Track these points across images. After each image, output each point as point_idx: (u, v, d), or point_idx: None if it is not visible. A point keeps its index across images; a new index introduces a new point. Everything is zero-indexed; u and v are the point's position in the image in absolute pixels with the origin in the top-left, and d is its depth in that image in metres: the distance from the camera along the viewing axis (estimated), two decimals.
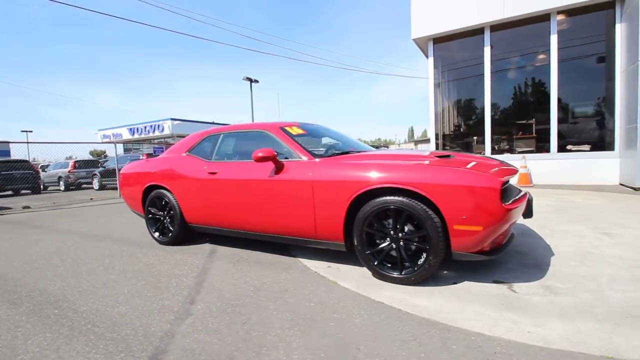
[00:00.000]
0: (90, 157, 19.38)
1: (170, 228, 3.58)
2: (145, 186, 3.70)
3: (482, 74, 7.12)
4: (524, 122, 7.57)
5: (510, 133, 7.67)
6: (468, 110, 8.08)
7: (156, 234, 3.71)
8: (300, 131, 3.04)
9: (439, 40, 7.45)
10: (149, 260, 3.13)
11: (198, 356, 1.58)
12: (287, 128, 3.00)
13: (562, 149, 6.74)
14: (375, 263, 2.35)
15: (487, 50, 6.99)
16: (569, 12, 6.22)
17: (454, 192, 2.03)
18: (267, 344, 1.65)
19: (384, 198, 2.25)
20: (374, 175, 2.26)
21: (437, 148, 8.04)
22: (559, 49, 6.29)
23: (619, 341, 1.56)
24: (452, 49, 7.65)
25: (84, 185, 15.16)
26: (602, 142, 6.42)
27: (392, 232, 2.30)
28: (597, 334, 1.62)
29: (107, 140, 32.80)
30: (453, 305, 1.97)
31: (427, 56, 8.80)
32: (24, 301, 2.33)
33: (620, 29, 5.81)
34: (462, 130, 8.58)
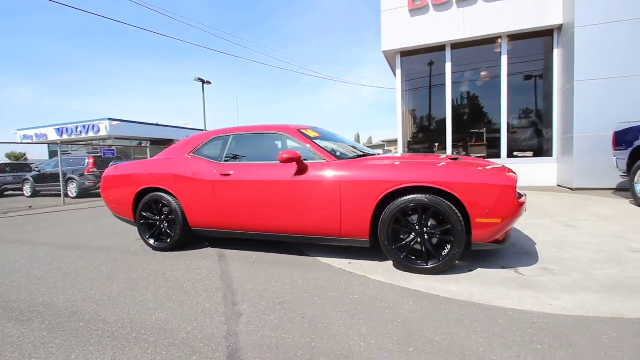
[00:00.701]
0: (7, 161, 16.91)
1: (170, 233, 3.40)
2: (139, 189, 3.47)
3: (444, 85, 7.85)
4: (477, 131, 8.47)
5: (465, 140, 8.52)
6: (429, 119, 8.80)
7: (151, 241, 3.48)
8: (316, 134, 3.14)
9: (406, 53, 8.06)
10: (154, 268, 2.95)
11: (277, 350, 1.60)
12: (303, 131, 3.08)
13: (509, 155, 7.69)
14: (402, 257, 2.54)
15: (448, 66, 7.73)
16: (516, 36, 7.19)
17: (478, 190, 2.31)
18: (338, 334, 1.73)
19: (412, 196, 2.45)
20: (404, 175, 2.46)
21: (404, 152, 8.61)
22: (508, 64, 7.24)
23: (617, 306, 1.94)
24: (417, 62, 8.31)
25: (9, 192, 13.20)
26: (542, 150, 7.48)
27: (417, 227, 2.51)
28: (600, 302, 1.99)
29: (29, 141, 29.03)
30: (480, 289, 2.23)
31: (392, 67, 9.42)
32: (31, 317, 2.08)
33: (557, 54, 6.89)
34: (420, 137, 9.29)
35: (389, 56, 8.42)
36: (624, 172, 4.97)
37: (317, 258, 3.02)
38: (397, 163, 2.60)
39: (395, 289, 2.29)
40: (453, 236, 2.39)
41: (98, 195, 10.95)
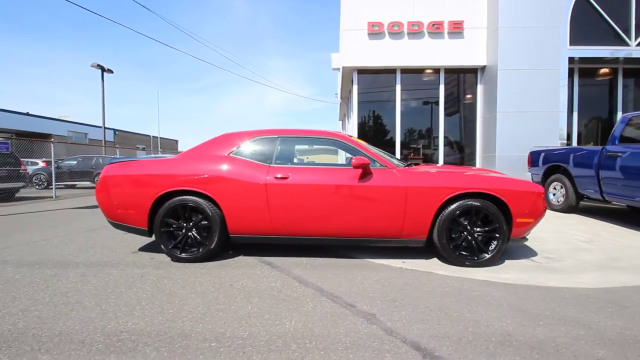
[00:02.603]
0: None
1: (202, 241, 3.06)
2: (162, 192, 3.03)
3: (393, 102, 8.87)
4: (415, 146, 9.76)
5: (406, 154, 9.72)
6: (378, 131, 9.72)
7: (176, 251, 3.06)
8: (364, 142, 3.33)
9: (362, 71, 8.80)
10: (210, 280, 2.65)
11: (449, 338, 1.77)
12: (354, 138, 3.24)
13: None
14: (457, 253, 2.95)
15: (398, 88, 8.78)
16: (451, 70, 8.70)
17: (520, 195, 2.90)
18: (477, 318, 1.99)
19: (466, 201, 2.90)
20: (464, 184, 2.89)
21: None
22: (445, 91, 8.69)
23: (617, 279, 2.70)
24: (371, 80, 9.15)
25: None
26: (467, 165, 9.13)
27: (468, 227, 2.96)
28: (606, 278, 2.73)
29: None
30: (525, 275, 2.78)
31: (342, 82, 10.07)
32: (132, 347, 1.72)
33: (480, 88, 8.60)
34: None
35: (346, 72, 9.04)
36: None
37: (367, 260, 3.18)
38: (456, 172, 3.02)
39: (468, 280, 2.66)
40: (499, 233, 2.92)
41: None
